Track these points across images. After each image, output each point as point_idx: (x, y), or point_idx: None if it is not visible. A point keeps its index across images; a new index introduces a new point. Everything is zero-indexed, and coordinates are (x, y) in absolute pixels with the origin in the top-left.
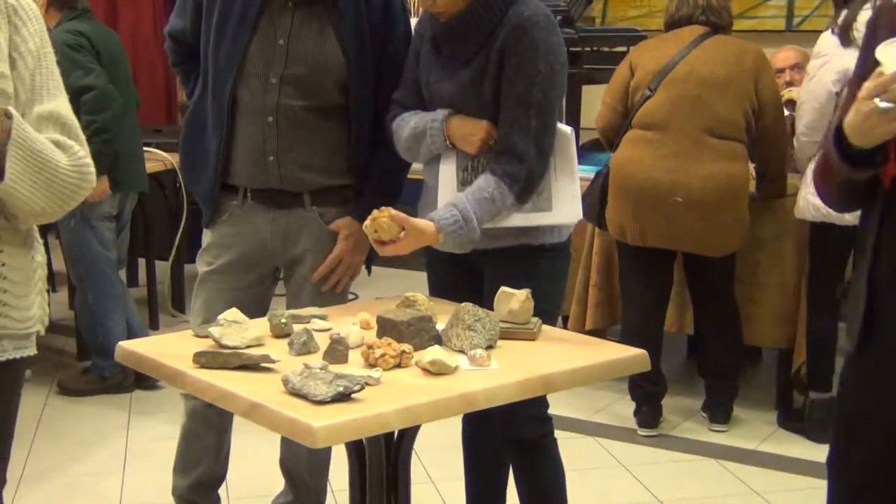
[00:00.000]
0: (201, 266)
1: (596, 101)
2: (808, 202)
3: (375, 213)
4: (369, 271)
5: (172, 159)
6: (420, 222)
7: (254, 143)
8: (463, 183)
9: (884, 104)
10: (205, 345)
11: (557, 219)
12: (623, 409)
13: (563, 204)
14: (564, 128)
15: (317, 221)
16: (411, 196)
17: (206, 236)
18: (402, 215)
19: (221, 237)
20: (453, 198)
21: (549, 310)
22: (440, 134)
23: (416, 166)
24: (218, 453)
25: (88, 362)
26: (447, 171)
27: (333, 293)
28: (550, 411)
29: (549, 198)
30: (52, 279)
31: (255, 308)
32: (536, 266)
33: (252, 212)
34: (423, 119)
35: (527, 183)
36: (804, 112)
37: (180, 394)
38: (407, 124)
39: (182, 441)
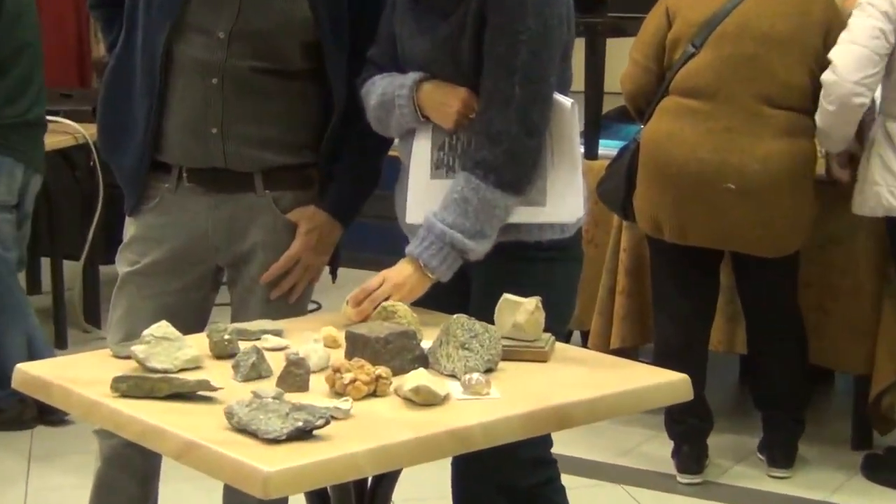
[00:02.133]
0: (122, 266)
1: (624, 58)
2: (871, 192)
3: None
4: (334, 276)
5: (85, 132)
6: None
7: (193, 110)
8: (438, 167)
9: None
10: (126, 367)
11: (551, 216)
12: (658, 450)
13: (560, 197)
14: (563, 99)
15: (270, 209)
16: (387, 178)
17: (130, 228)
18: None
19: (148, 229)
20: (424, 218)
21: (556, 326)
22: (409, 103)
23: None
24: None
25: None
26: (420, 152)
27: (287, 302)
28: (566, 452)
29: (542, 189)
30: None
31: (192, 320)
32: (532, 269)
33: (189, 197)
34: (392, 84)
35: (510, 169)
36: (852, 60)
37: (93, 431)
38: (376, 90)
39: (95, 492)
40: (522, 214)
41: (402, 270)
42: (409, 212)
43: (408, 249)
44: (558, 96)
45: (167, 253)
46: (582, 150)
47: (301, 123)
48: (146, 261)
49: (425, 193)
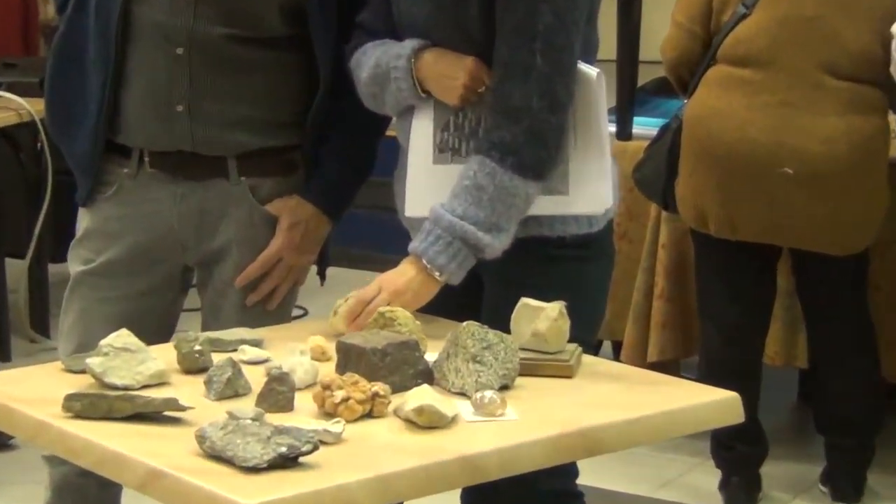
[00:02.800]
0: (75, 264)
1: (663, 22)
2: None
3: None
4: (323, 278)
5: (31, 108)
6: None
7: (155, 84)
8: (441, 150)
9: None
10: (80, 384)
11: (575, 207)
12: (703, 481)
13: (585, 185)
14: (588, 69)
15: (246, 199)
16: (385, 162)
17: (83, 220)
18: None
19: (105, 222)
20: (430, 210)
21: (584, 335)
22: (407, 76)
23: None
24: None
25: None
26: (420, 133)
27: (266, 308)
28: (596, 483)
29: (564, 176)
30: None
31: (156, 328)
32: (555, 269)
33: (151, 185)
34: (387, 54)
35: (532, 150)
36: None
37: (42, 456)
38: (367, 61)
39: None
40: (542, 205)
41: (403, 273)
42: (408, 203)
43: (410, 247)
44: (582, 66)
45: (127, 250)
46: (612, 129)
47: (281, 99)
48: (102, 259)
49: (427, 181)
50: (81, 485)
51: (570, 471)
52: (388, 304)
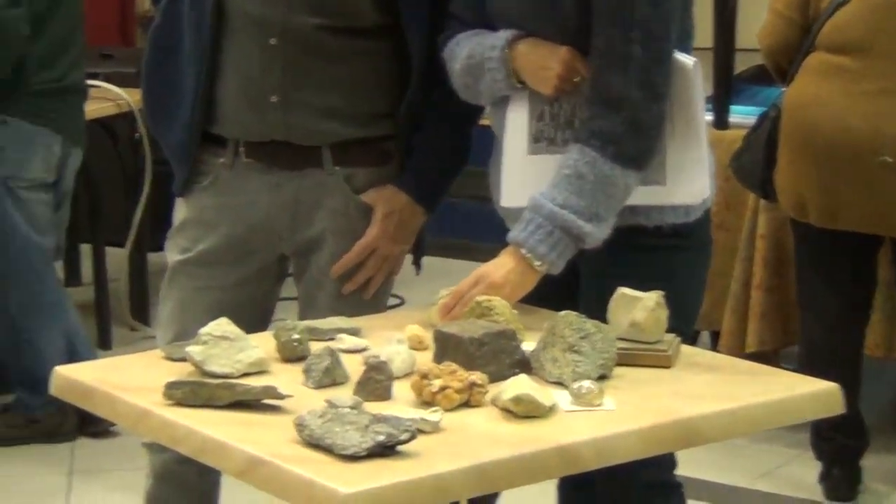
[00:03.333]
0: (173, 253)
1: (760, 8)
2: None
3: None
4: (418, 267)
5: (129, 98)
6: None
7: (249, 75)
8: (537, 139)
9: None
10: (181, 371)
11: (672, 197)
12: (802, 473)
13: (682, 175)
14: (684, 58)
15: (341, 189)
16: (480, 151)
17: (180, 210)
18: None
19: (201, 211)
20: (530, 199)
21: (682, 326)
22: (502, 67)
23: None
24: None
25: (11, 397)
26: (515, 123)
27: (362, 297)
28: (693, 474)
29: (661, 166)
30: None
31: (253, 316)
32: (652, 259)
33: (247, 175)
34: (481, 45)
35: (632, 140)
36: None
37: (142, 444)
38: (461, 52)
39: None
40: (639, 195)
41: (502, 265)
42: (503, 193)
43: (509, 237)
44: (679, 55)
45: (223, 239)
46: (709, 117)
47: (374, 89)
48: (199, 248)
49: (522, 171)
50: (181, 472)
51: (668, 461)
52: (477, 287)
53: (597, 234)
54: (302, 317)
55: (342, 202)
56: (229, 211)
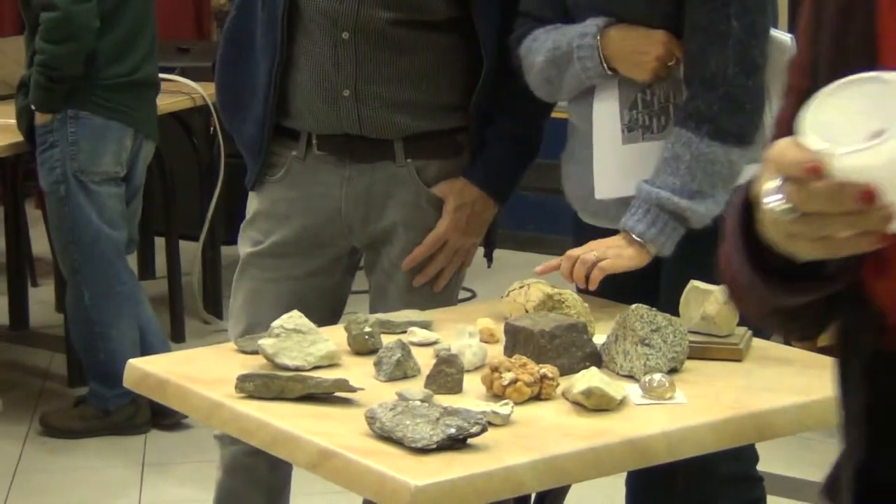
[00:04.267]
0: (244, 246)
1: None
2: None
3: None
4: (490, 260)
5: (204, 92)
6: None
7: (322, 69)
8: (631, 128)
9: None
10: (253, 364)
11: None
12: None
13: None
14: (781, 35)
15: (413, 181)
16: (550, 143)
17: (252, 203)
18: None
19: (274, 204)
20: (636, 187)
21: None
22: (594, 55)
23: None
24: None
25: (85, 389)
26: (605, 113)
27: (432, 289)
28: (762, 468)
29: (763, 144)
30: (32, 268)
31: (324, 309)
32: None
33: (319, 167)
34: (567, 34)
35: (729, 116)
36: None
37: (214, 436)
38: (542, 45)
39: None
40: (746, 175)
41: (615, 242)
42: (597, 185)
43: (620, 224)
44: (775, 31)
45: (295, 231)
46: None
47: (445, 82)
48: (271, 240)
49: (617, 162)
50: (252, 464)
51: (750, 455)
52: (597, 259)
53: (701, 210)
54: (372, 309)
55: (413, 195)
56: (301, 203)
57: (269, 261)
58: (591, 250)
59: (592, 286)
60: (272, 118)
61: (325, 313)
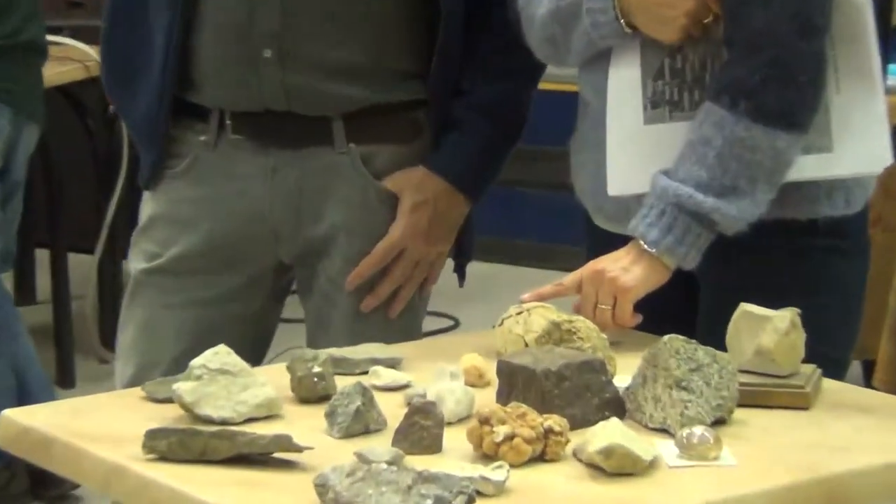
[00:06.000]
0: (137, 261)
1: None
2: None
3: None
4: (461, 277)
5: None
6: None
7: (234, 21)
8: (655, 104)
9: None
10: (166, 416)
11: (841, 166)
12: None
13: (854, 136)
14: None
15: (357, 173)
16: (556, 126)
17: (148, 205)
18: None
19: (175, 205)
20: (651, 178)
21: (831, 352)
22: (608, 8)
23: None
24: None
25: None
26: (624, 84)
27: (387, 315)
28: None
29: (824, 126)
30: None
31: (243, 345)
32: (800, 266)
33: (235, 156)
34: None
35: (776, 89)
36: None
37: None
38: None
39: None
40: (802, 167)
41: (616, 259)
42: (611, 178)
43: (628, 228)
44: None
45: (203, 241)
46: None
47: (398, 40)
48: (172, 253)
49: (637, 148)
50: None
51: None
52: (598, 290)
53: (733, 213)
54: (311, 343)
55: (358, 190)
56: (212, 204)
57: (170, 280)
58: (594, 282)
59: (624, 321)
60: (172, 90)
61: (245, 351)
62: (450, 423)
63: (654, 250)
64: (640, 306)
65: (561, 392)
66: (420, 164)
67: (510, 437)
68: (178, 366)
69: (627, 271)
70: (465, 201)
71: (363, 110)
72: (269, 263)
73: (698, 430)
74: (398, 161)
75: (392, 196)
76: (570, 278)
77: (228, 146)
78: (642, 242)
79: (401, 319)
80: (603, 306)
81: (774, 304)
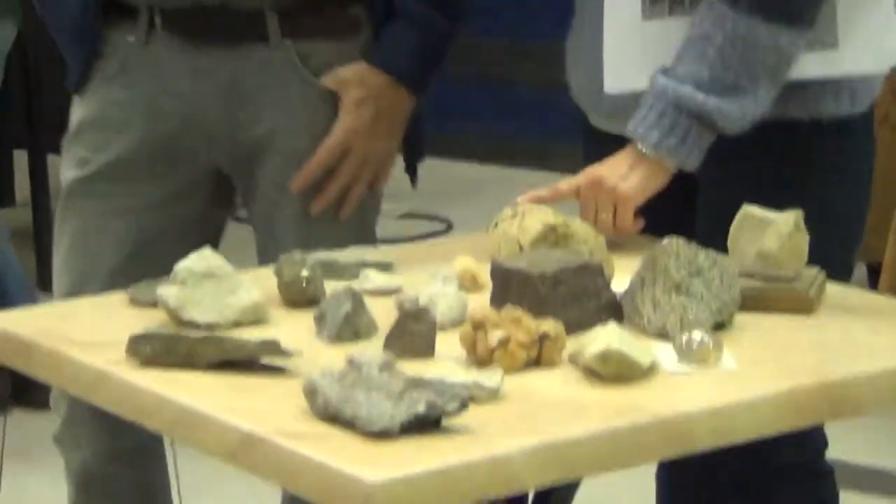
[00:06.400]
0: (68, 168)
1: None
2: None
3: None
4: (413, 176)
5: None
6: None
7: None
8: (655, 13)
9: None
10: (151, 320)
11: (847, 64)
12: None
13: (861, 32)
14: None
15: (294, 70)
16: (554, 22)
17: (77, 110)
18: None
19: (105, 108)
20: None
21: (835, 254)
22: None
23: None
24: None
25: None
26: None
27: (336, 218)
28: (846, 457)
29: (829, 21)
30: None
31: (187, 251)
32: (807, 164)
33: (165, 54)
34: None
35: None
36: None
37: (53, 438)
38: None
39: None
40: (806, 64)
41: (614, 165)
42: (608, 75)
43: (627, 129)
44: None
45: (135, 144)
46: None
47: None
48: (103, 158)
49: (634, 44)
50: (110, 475)
51: (816, 440)
52: (597, 198)
53: (734, 111)
54: (261, 252)
55: (297, 89)
56: (143, 106)
57: (103, 187)
58: (593, 187)
59: (626, 228)
60: None
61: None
62: (442, 328)
63: (654, 153)
64: (639, 209)
65: (557, 296)
66: (362, 59)
67: (504, 342)
68: (114, 277)
69: (626, 178)
70: (408, 95)
71: (298, 3)
72: (207, 167)
73: (698, 334)
74: (337, 58)
75: (333, 94)
76: (566, 183)
77: (158, 45)
78: (641, 145)
79: (353, 221)
80: (603, 215)
81: (778, 205)
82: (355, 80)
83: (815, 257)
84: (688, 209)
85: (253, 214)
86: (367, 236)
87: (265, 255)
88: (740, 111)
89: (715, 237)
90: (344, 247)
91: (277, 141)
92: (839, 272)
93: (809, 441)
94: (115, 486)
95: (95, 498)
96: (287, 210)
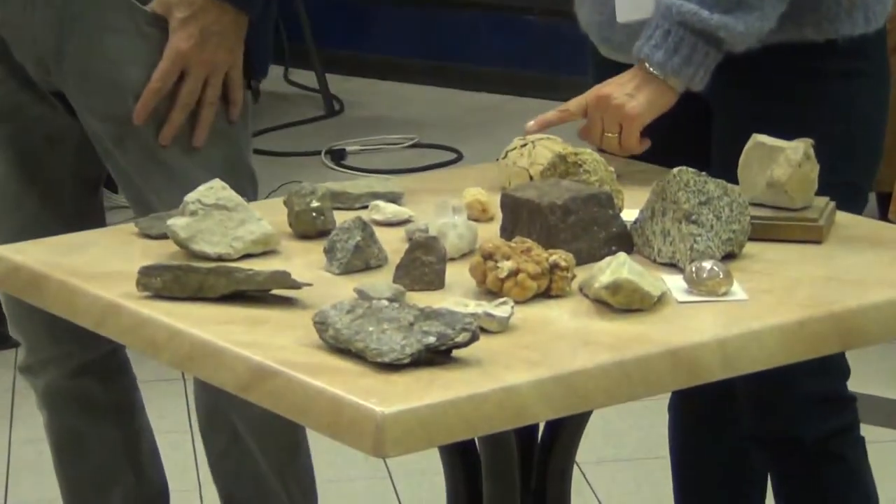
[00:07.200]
0: None
1: None
2: None
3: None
4: (255, 94)
5: None
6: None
7: None
8: None
9: None
10: (160, 252)
11: None
12: None
13: None
14: None
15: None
16: None
17: None
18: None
19: None
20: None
21: (849, 179)
22: None
23: None
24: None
25: None
26: None
27: (192, 145)
28: (863, 389)
29: None
30: None
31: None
32: (822, 88)
33: None
34: None
35: None
36: None
37: (19, 369)
38: None
39: (58, 465)
40: None
41: (621, 83)
42: (619, 4)
43: (633, 50)
44: None
45: None
46: None
47: None
48: None
49: None
50: (80, 388)
51: (838, 368)
52: (604, 117)
53: (741, 29)
54: (125, 191)
55: (126, 18)
56: None
57: None
58: (599, 108)
59: (631, 148)
60: None
61: (77, 184)
62: (452, 259)
63: (660, 72)
64: (651, 138)
65: (567, 226)
66: None
67: (514, 273)
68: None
69: (633, 98)
70: (235, 13)
71: None
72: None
73: (708, 264)
74: None
75: (162, 19)
76: (574, 103)
77: None
78: (648, 65)
79: (217, 149)
80: (609, 134)
81: (792, 131)
82: (178, 1)
83: (829, 183)
84: (701, 139)
85: (100, 152)
86: (239, 166)
87: (135, 198)
88: (746, 28)
89: (727, 166)
90: (214, 177)
91: (113, 73)
92: (854, 198)
93: (832, 369)
94: (86, 401)
95: (68, 417)
96: (135, 142)
